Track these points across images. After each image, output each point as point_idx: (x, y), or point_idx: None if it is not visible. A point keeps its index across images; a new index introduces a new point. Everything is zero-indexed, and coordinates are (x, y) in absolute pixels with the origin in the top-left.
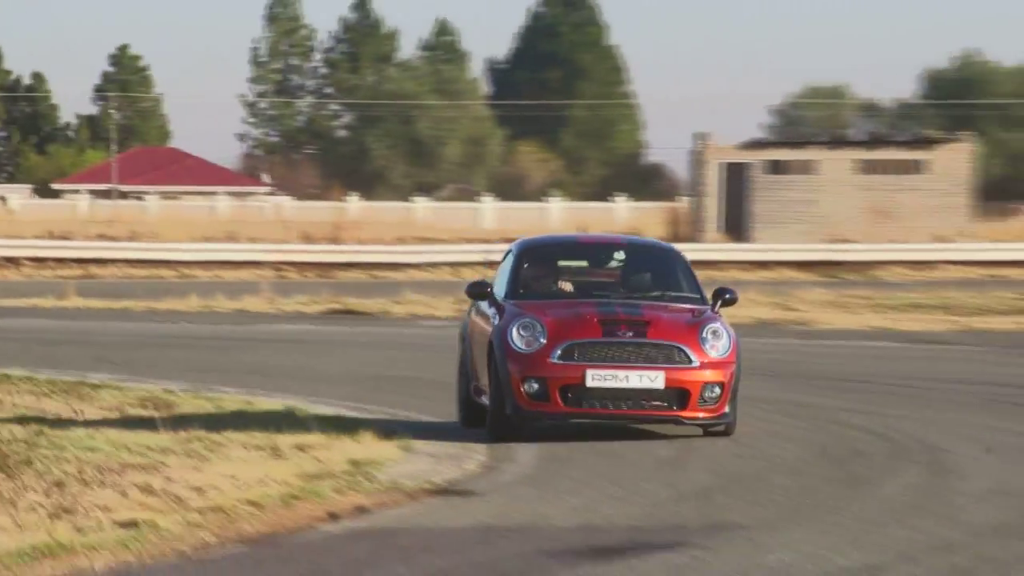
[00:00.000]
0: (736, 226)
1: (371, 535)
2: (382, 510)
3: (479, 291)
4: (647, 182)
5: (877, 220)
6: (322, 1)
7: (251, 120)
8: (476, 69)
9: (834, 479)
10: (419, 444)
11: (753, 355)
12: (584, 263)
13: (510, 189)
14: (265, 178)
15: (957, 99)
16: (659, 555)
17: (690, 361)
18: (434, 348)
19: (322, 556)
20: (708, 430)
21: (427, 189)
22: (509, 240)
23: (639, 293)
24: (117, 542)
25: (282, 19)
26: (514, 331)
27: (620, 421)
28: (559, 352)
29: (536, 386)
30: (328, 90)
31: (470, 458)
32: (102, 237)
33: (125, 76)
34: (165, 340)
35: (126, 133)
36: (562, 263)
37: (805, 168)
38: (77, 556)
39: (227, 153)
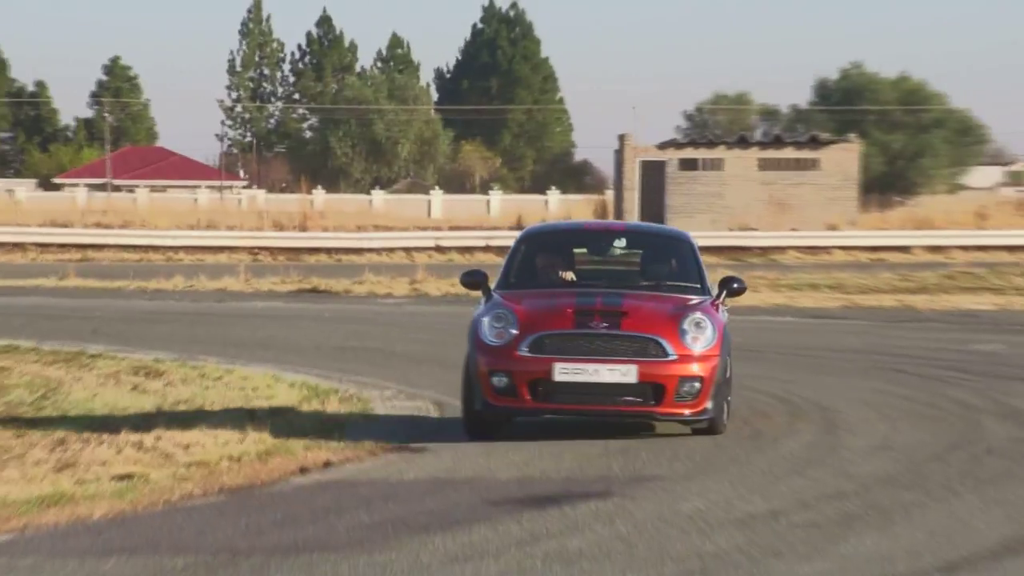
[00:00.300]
0: (654, 216)
1: (336, 486)
2: (346, 465)
3: (472, 281)
4: (576, 177)
5: (776, 211)
6: (290, 17)
7: (228, 122)
8: (426, 78)
9: (741, 437)
10: (378, 406)
11: None
12: (583, 251)
13: (456, 183)
14: (241, 173)
15: (844, 105)
16: (589, 503)
17: (666, 354)
18: (391, 323)
19: (293, 504)
20: (693, 427)
21: (383, 183)
22: (457, 228)
23: (636, 282)
24: (113, 493)
25: (255, 34)
26: (486, 322)
27: (592, 417)
28: (528, 344)
29: (504, 380)
30: (296, 96)
31: (423, 419)
32: (98, 225)
33: (117, 84)
34: (154, 316)
35: (118, 134)
36: (562, 252)
37: (713, 165)
38: (78, 505)
39: (207, 151)
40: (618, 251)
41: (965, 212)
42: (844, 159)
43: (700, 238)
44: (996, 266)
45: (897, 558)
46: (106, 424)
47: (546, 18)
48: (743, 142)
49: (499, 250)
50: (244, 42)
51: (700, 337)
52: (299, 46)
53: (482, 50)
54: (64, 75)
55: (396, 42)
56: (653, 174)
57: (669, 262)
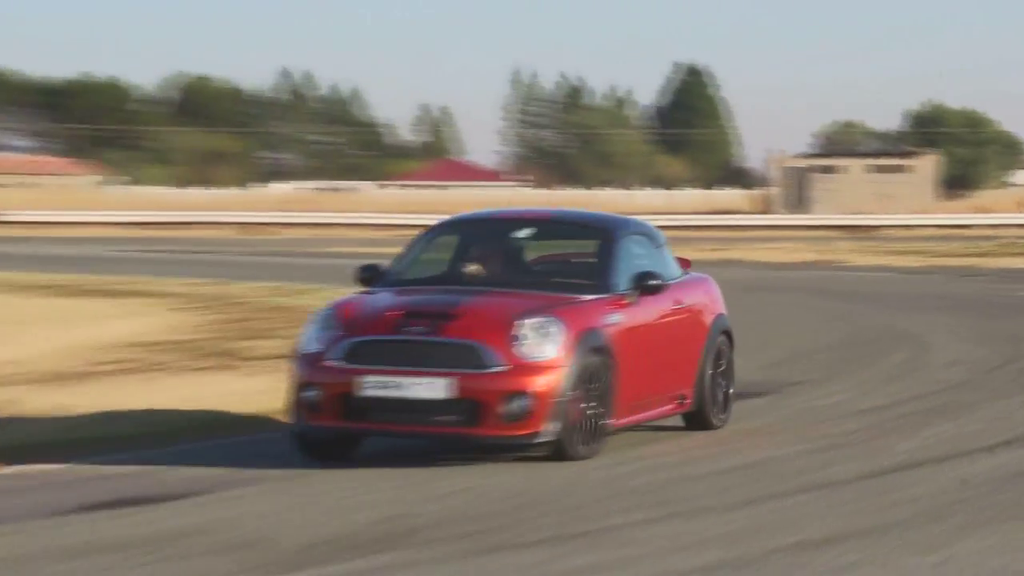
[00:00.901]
0: (797, 205)
1: None
2: None
3: (366, 276)
4: (743, 178)
5: (881, 201)
6: (545, 70)
7: (507, 142)
8: (637, 110)
9: (856, 355)
10: None
11: (806, 281)
12: (488, 242)
13: (659, 182)
14: (518, 175)
15: (926, 128)
16: (755, 400)
17: (487, 364)
18: None
19: None
20: (554, 451)
21: (608, 183)
22: (652, 214)
23: (527, 277)
24: None
25: (521, 83)
26: (309, 326)
27: (410, 439)
28: (340, 353)
29: (314, 394)
30: (552, 123)
31: None
32: (414, 212)
33: (433, 119)
34: None
35: (436, 150)
36: (470, 243)
37: (837, 169)
38: None
39: (496, 161)
40: (519, 243)
41: (1010, 202)
42: (927, 166)
43: (828, 219)
44: None
45: (963, 439)
46: None
47: (723, 64)
48: (857, 154)
49: (684, 227)
50: (513, 88)
51: (541, 344)
52: (550, 90)
53: (677, 92)
54: (401, 111)
55: (615, 88)
56: (796, 176)
57: (577, 255)
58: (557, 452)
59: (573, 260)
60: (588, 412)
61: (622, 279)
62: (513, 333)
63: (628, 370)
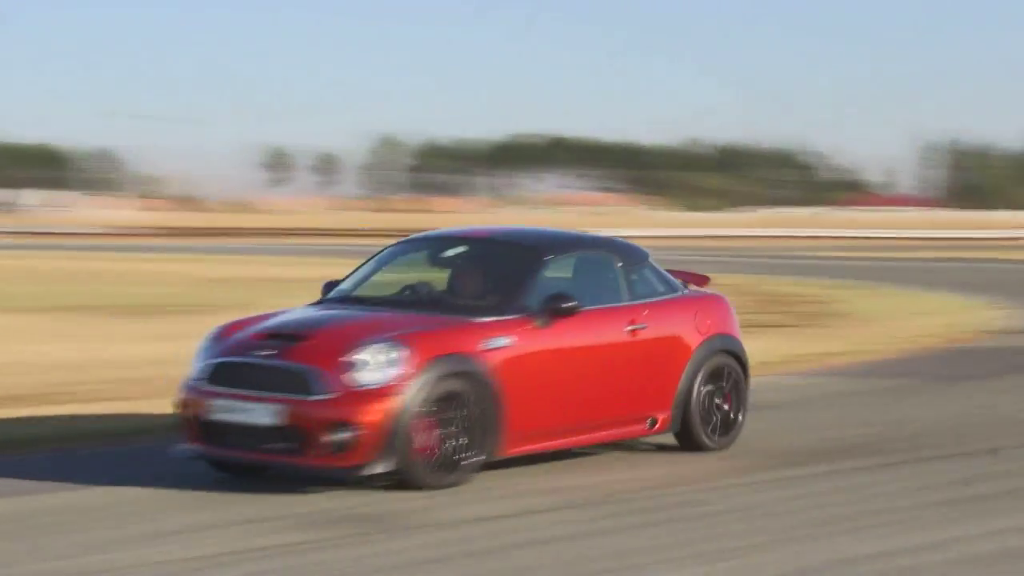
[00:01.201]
0: None
1: (980, 351)
2: (972, 343)
3: (324, 293)
4: None
5: None
6: (941, 126)
7: (920, 178)
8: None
9: None
10: (997, 312)
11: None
12: (429, 261)
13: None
14: (926, 201)
15: None
16: (967, 383)
17: (314, 391)
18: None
19: (956, 358)
20: (402, 480)
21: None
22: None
23: (430, 298)
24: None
25: (921, 136)
26: (200, 344)
27: (265, 467)
28: (202, 374)
29: (183, 415)
30: (943, 164)
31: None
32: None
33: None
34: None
35: (864, 185)
36: (414, 261)
37: None
38: (855, 355)
39: (914, 192)
40: (459, 261)
41: None
42: None
43: None
44: None
45: None
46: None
47: None
48: None
49: None
50: (917, 138)
51: (378, 370)
52: (947, 138)
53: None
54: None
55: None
56: None
57: (492, 275)
58: (402, 482)
59: (493, 279)
60: (445, 442)
61: (533, 300)
62: (348, 359)
63: (528, 395)
